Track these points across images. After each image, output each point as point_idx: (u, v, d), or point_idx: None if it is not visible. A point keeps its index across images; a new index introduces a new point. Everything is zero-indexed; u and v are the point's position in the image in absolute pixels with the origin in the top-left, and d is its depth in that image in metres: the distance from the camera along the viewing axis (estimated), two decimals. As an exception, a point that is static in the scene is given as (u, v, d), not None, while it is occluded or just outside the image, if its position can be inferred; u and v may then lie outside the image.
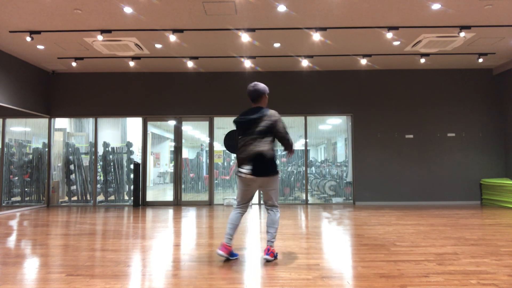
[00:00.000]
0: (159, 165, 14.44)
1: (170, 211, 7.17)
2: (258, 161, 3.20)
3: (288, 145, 3.34)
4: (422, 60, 7.52)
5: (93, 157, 8.56)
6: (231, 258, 3.41)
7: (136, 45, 6.57)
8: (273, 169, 3.27)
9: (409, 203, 8.15)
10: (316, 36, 6.13)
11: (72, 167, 8.83)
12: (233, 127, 8.55)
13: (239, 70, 8.43)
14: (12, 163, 8.75)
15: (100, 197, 8.71)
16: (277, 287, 2.65)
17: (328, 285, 2.67)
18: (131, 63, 7.62)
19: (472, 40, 6.54)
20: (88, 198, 8.76)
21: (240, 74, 8.47)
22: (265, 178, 3.26)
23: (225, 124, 8.66)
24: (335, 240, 4.28)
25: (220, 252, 3.33)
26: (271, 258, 3.30)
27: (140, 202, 8.32)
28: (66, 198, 8.77)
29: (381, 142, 8.31)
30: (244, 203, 3.44)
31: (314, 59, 7.60)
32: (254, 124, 3.26)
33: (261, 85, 3.43)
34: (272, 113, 3.30)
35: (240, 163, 3.29)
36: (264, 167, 3.23)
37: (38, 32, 6.00)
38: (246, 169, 3.23)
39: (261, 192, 3.39)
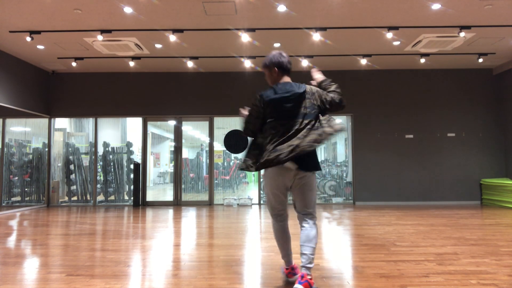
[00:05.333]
0: (159, 165, 14.44)
1: (170, 211, 7.17)
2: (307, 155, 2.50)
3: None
4: (422, 60, 7.52)
5: (93, 157, 8.56)
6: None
7: (136, 45, 6.57)
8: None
9: (409, 203, 8.15)
10: (316, 36, 6.13)
11: (72, 167, 8.83)
12: (233, 127, 8.55)
13: (239, 70, 8.42)
14: (12, 163, 8.74)
15: (100, 197, 8.71)
16: (277, 287, 2.65)
17: (328, 285, 2.67)
18: (131, 63, 7.62)
19: (472, 40, 6.54)
20: (88, 198, 8.75)
21: (240, 74, 8.47)
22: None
23: (225, 124, 8.66)
24: (335, 240, 4.28)
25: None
26: None
27: (140, 202, 8.32)
28: (66, 198, 8.77)
29: (381, 142, 8.31)
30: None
31: (314, 59, 7.60)
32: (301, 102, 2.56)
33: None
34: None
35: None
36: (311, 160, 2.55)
37: (38, 32, 5.99)
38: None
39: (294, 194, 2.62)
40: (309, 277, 2.42)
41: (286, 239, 2.72)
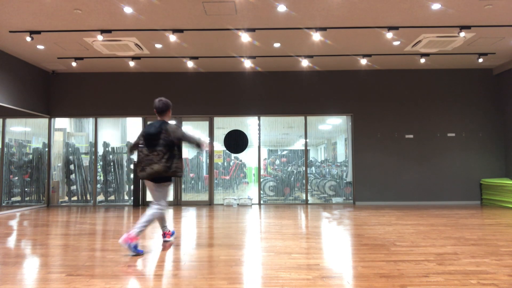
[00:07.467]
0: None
1: (170, 211, 7.17)
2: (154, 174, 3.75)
3: (195, 143, 4.02)
4: (422, 60, 7.52)
5: (93, 157, 8.56)
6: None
7: (136, 45, 6.57)
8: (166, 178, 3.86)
9: (409, 203, 8.15)
10: (316, 36, 6.13)
11: (72, 167, 8.83)
12: (233, 127, 8.55)
13: (239, 70, 8.43)
14: (12, 163, 8.75)
15: (100, 197, 8.71)
16: (277, 287, 2.65)
17: (328, 285, 2.67)
18: (131, 63, 7.62)
19: (472, 40, 6.54)
20: (88, 198, 8.75)
21: (240, 74, 8.47)
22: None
23: (225, 124, 8.66)
24: (335, 240, 4.28)
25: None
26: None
27: (140, 202, 8.32)
28: (66, 198, 8.77)
29: (381, 142, 8.31)
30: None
31: (314, 59, 7.60)
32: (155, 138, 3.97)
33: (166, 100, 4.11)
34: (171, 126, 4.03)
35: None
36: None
37: (38, 32, 6.00)
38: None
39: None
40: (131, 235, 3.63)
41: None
